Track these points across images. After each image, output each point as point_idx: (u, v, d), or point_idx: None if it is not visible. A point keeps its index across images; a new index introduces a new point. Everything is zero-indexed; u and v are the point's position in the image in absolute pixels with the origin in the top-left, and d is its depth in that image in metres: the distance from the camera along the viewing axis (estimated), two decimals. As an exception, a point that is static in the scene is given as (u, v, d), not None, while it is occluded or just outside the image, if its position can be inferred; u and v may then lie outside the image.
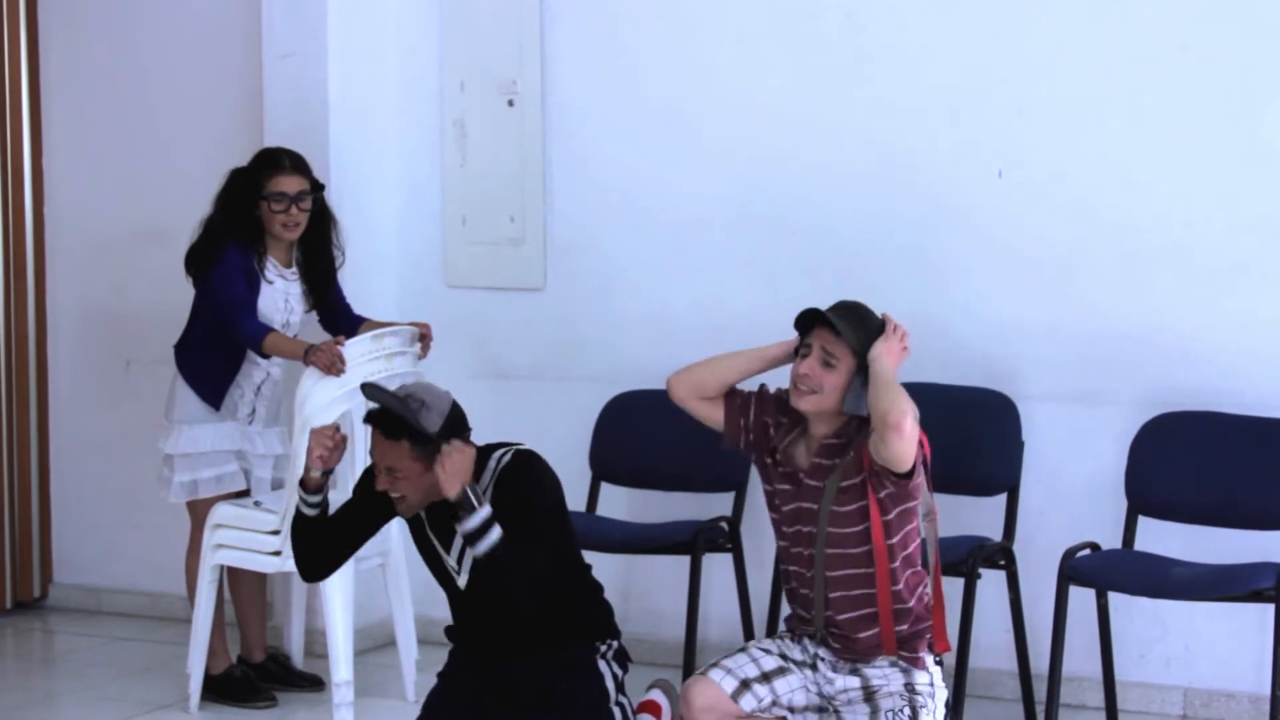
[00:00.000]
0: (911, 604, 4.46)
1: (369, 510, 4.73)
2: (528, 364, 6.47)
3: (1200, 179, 5.57)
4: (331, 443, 4.63)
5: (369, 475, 4.69)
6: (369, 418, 4.55)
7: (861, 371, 4.43)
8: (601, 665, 4.69)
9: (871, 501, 4.41)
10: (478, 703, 4.68)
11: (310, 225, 5.78)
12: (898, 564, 4.43)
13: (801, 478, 4.49)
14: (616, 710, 4.68)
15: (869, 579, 4.43)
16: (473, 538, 4.47)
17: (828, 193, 5.99)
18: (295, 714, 5.85)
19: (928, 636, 4.50)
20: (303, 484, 4.67)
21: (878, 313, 4.59)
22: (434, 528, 4.71)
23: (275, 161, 5.73)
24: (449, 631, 4.83)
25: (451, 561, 4.68)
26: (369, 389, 4.58)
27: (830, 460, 4.47)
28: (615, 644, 4.74)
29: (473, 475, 4.52)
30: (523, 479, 4.59)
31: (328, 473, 4.66)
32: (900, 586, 4.44)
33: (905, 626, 4.46)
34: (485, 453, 4.65)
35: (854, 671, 4.49)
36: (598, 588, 4.80)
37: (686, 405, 4.72)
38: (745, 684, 4.48)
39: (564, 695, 4.64)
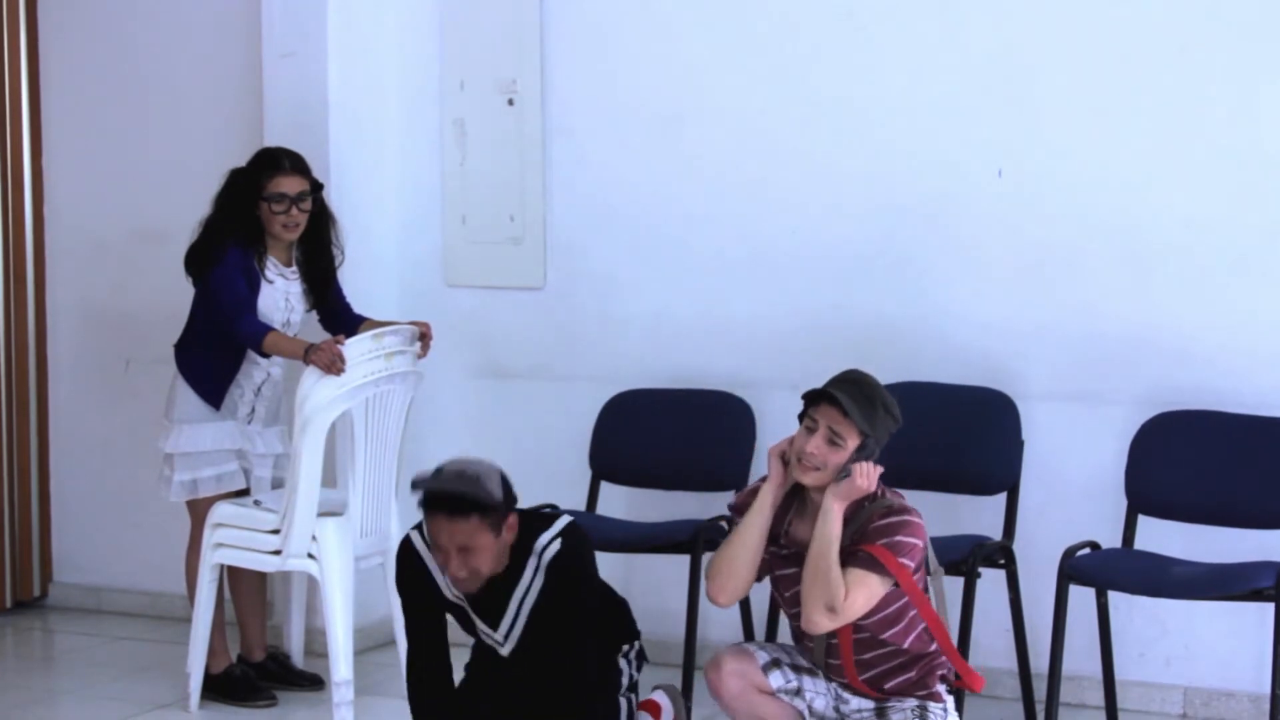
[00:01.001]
0: (925, 651, 4.52)
1: (433, 619, 4.72)
2: (528, 363, 6.46)
3: (1200, 179, 5.57)
4: None
5: (412, 596, 4.69)
6: (430, 504, 4.45)
7: (863, 451, 4.46)
8: (621, 663, 4.81)
9: None
10: (499, 693, 4.76)
11: (310, 225, 5.78)
12: (900, 627, 4.48)
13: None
14: (623, 701, 4.79)
15: (876, 642, 4.50)
16: None
17: (827, 192, 5.99)
18: (295, 713, 5.84)
19: (940, 671, 4.56)
20: None
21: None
22: (477, 605, 4.66)
23: (275, 162, 5.73)
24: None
25: (497, 638, 4.69)
26: (420, 482, 4.48)
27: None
28: (637, 645, 4.87)
29: (515, 549, 4.55)
30: (574, 579, 4.59)
31: None
32: (908, 644, 4.50)
33: (914, 673, 4.53)
34: (530, 527, 4.60)
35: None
36: (621, 603, 4.90)
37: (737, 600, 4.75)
38: (776, 662, 4.56)
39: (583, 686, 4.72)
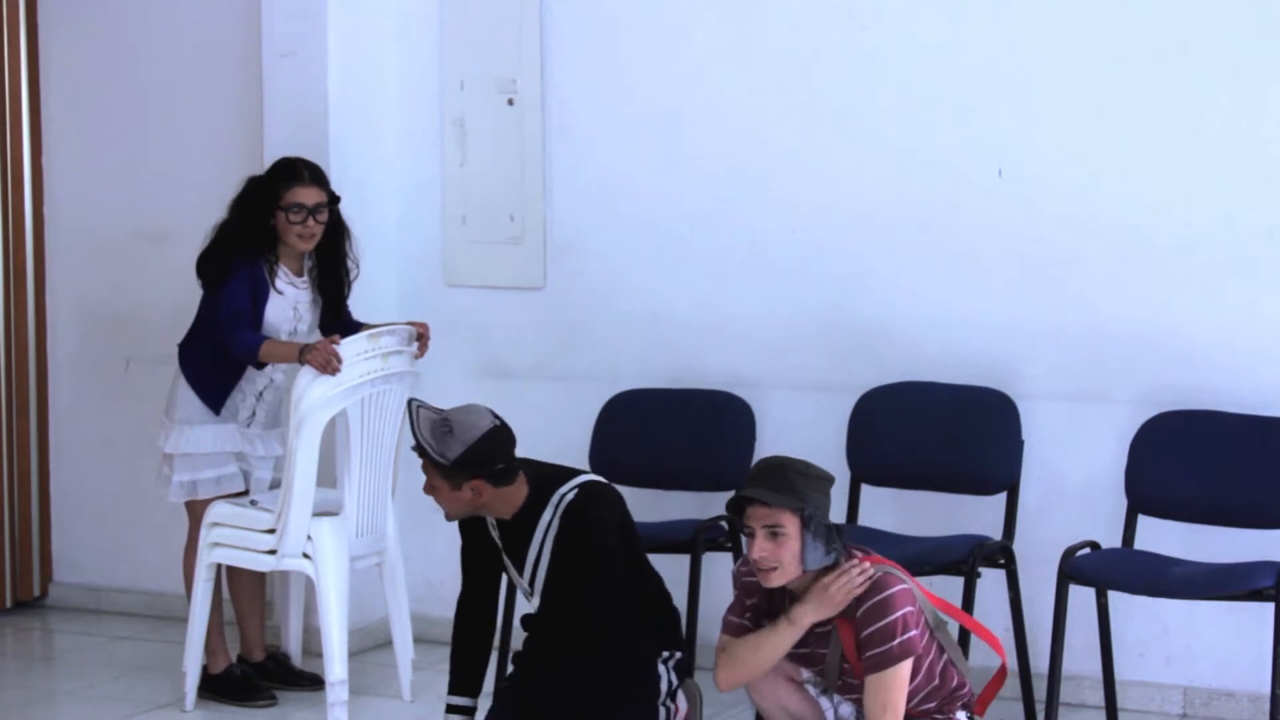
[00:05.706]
0: (946, 689, 4.53)
1: (482, 560, 5.00)
2: (528, 363, 6.46)
3: (1200, 179, 5.57)
4: None
5: (467, 537, 5.01)
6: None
7: (809, 527, 4.40)
8: (660, 668, 4.86)
9: None
10: (536, 691, 4.85)
11: (326, 237, 5.77)
12: (919, 679, 4.46)
13: (811, 645, 4.52)
14: (663, 709, 4.84)
15: None
16: None
17: (827, 192, 5.99)
18: (293, 713, 5.84)
19: (962, 700, 4.55)
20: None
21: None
22: (507, 549, 4.88)
23: (293, 172, 5.72)
24: (526, 620, 5.03)
25: (524, 584, 4.88)
26: (414, 405, 4.80)
27: (827, 626, 4.49)
28: (678, 655, 4.91)
29: (536, 499, 4.80)
30: (588, 525, 4.76)
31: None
32: (920, 698, 4.49)
33: (934, 704, 4.52)
34: (550, 484, 4.83)
35: None
36: (667, 598, 4.97)
37: None
38: None
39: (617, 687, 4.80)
